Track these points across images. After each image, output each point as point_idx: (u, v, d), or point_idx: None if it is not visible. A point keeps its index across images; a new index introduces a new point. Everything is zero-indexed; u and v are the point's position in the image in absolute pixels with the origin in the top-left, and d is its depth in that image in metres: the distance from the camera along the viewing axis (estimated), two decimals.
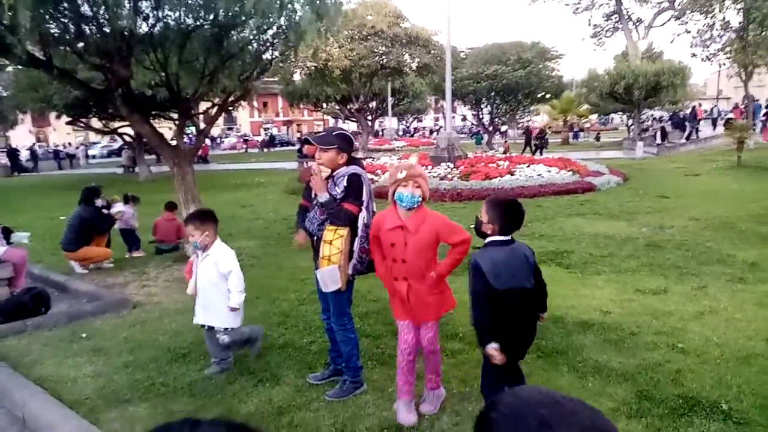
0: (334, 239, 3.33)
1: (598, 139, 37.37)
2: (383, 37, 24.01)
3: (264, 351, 4.48)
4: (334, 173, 3.42)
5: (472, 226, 3.09)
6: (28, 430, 3.57)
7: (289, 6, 5.89)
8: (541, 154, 23.28)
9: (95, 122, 26.08)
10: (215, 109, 8.06)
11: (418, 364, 3.41)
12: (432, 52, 25.48)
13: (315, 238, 3.51)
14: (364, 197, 3.39)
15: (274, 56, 7.60)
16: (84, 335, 5.04)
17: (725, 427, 3.14)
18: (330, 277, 3.36)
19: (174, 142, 8.68)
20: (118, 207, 8.18)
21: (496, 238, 2.91)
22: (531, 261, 2.93)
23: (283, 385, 3.87)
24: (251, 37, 6.75)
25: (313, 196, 3.50)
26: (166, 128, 20.60)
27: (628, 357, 4.13)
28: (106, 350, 4.67)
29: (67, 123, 27.12)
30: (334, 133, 3.49)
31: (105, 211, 7.93)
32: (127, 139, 26.39)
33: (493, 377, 2.99)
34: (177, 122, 8.67)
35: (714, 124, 34.36)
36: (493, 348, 2.85)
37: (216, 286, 3.97)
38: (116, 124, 26.00)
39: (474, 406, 3.46)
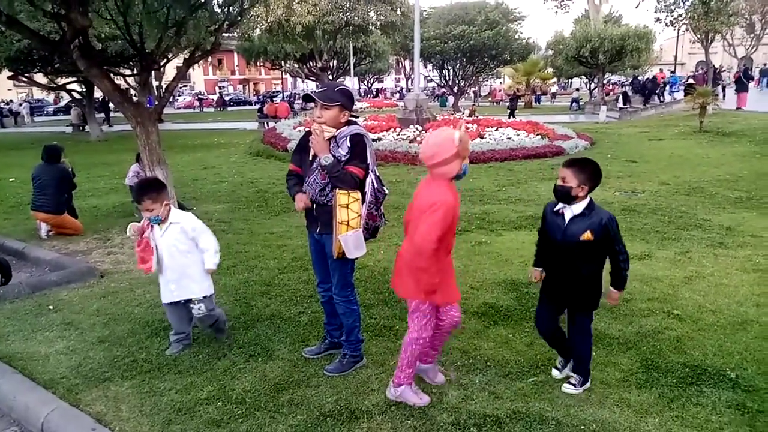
0: (350, 203, 3.06)
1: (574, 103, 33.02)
2: None
3: (250, 323, 4.24)
4: (336, 133, 3.15)
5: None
6: (1, 413, 3.28)
7: None
8: (513, 117, 23.13)
9: (40, 78, 24.36)
10: (181, 63, 7.50)
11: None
12: (398, 10, 24.85)
13: (314, 204, 3.25)
14: (369, 159, 3.13)
15: (244, 6, 7.10)
16: (51, 307, 4.68)
17: (735, 395, 3.12)
18: (355, 243, 3.09)
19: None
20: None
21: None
22: None
23: (277, 360, 3.65)
24: None
25: (310, 158, 3.22)
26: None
27: (625, 324, 4.10)
28: (77, 324, 4.33)
29: (9, 78, 25.33)
30: (336, 89, 3.16)
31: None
32: (76, 96, 24.90)
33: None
34: (138, 78, 8.08)
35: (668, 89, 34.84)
36: None
37: (188, 254, 3.67)
38: (63, 81, 24.46)
39: (480, 377, 3.35)
